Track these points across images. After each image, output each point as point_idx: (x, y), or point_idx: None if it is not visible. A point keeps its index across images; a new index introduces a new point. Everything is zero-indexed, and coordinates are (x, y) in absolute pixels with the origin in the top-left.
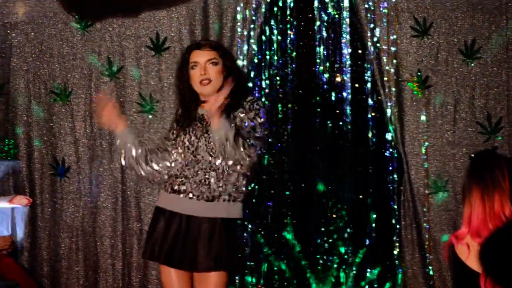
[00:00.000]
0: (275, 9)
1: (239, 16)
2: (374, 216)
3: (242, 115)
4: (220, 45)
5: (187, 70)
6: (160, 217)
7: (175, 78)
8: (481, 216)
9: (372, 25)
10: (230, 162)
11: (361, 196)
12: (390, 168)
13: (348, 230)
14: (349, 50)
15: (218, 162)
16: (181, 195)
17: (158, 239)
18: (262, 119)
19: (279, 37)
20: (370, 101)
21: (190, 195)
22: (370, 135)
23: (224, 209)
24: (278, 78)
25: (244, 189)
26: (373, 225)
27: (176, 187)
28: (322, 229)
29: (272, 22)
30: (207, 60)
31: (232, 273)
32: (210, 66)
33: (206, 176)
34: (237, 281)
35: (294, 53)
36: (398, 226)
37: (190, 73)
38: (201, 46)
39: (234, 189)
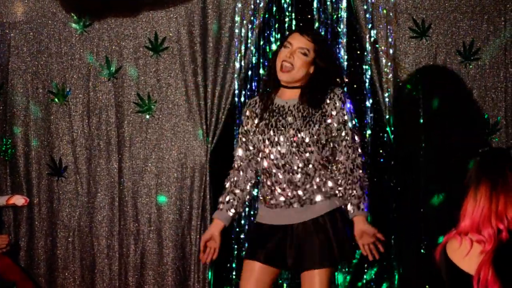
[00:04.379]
0: (274, 9)
1: (237, 17)
2: (371, 217)
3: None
4: (322, 42)
5: (280, 47)
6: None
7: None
8: (486, 212)
9: (370, 26)
10: None
11: None
12: (388, 169)
13: None
14: (347, 51)
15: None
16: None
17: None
18: None
19: (277, 36)
20: (368, 102)
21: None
22: (367, 136)
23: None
24: None
25: None
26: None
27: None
28: None
29: (271, 23)
30: (300, 46)
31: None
32: (299, 54)
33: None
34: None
35: None
36: (395, 227)
37: (280, 50)
38: (303, 32)
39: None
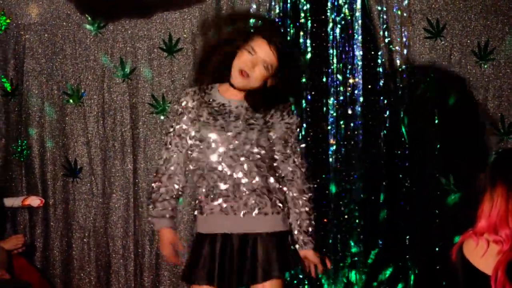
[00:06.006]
0: (288, 10)
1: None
2: (385, 215)
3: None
4: (286, 59)
5: (237, 44)
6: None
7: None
8: (503, 213)
9: (384, 26)
10: None
11: (373, 197)
12: (402, 169)
13: (360, 230)
14: (362, 52)
15: None
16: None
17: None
18: None
19: (292, 34)
20: (382, 103)
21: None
22: (382, 136)
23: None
24: None
25: None
26: (385, 225)
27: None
28: (334, 229)
29: (285, 23)
30: (263, 59)
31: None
32: (260, 67)
33: None
34: None
35: (307, 54)
36: (410, 227)
37: (241, 51)
38: (271, 42)
39: None
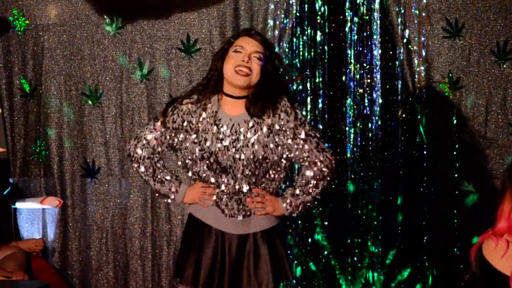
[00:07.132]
0: (306, 10)
1: (269, 18)
2: (403, 216)
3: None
4: (271, 45)
5: (226, 52)
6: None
7: (212, 61)
8: None
9: (402, 26)
10: None
11: (391, 198)
12: (420, 169)
13: (378, 231)
14: (380, 51)
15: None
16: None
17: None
18: None
19: (310, 34)
20: (400, 103)
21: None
22: (400, 136)
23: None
24: (308, 79)
25: None
26: (402, 226)
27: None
28: (352, 230)
29: (303, 24)
30: (254, 50)
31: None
32: (254, 59)
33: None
34: None
35: (325, 55)
36: (428, 228)
37: (229, 54)
38: (252, 35)
39: None
